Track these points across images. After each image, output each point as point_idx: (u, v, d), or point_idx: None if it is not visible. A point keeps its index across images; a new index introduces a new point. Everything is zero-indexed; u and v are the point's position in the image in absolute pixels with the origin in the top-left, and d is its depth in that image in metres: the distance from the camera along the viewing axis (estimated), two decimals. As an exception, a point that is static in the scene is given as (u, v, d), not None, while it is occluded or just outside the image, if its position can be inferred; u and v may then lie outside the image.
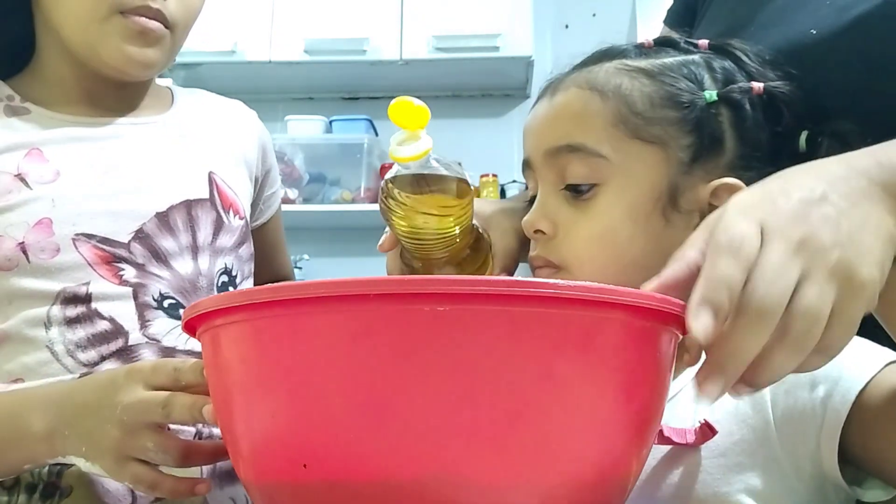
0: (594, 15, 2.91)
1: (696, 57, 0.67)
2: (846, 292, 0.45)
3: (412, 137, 0.56)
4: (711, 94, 0.64)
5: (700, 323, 0.42)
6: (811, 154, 0.65)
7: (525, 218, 0.66)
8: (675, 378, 0.63)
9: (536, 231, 0.65)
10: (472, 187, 0.60)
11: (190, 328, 0.49)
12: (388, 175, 0.59)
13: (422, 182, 0.58)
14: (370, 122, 2.81)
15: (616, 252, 0.62)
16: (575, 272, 0.63)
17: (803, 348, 0.44)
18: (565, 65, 0.71)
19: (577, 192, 0.64)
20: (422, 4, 2.70)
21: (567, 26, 2.96)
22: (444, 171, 0.58)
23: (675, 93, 0.64)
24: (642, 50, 0.68)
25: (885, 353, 0.56)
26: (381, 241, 0.69)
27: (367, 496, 0.42)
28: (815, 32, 0.67)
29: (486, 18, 2.64)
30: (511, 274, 0.70)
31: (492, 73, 2.74)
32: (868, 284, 0.46)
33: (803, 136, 0.66)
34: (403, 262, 0.66)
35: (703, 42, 0.69)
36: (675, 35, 0.71)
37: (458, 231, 0.61)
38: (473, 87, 2.87)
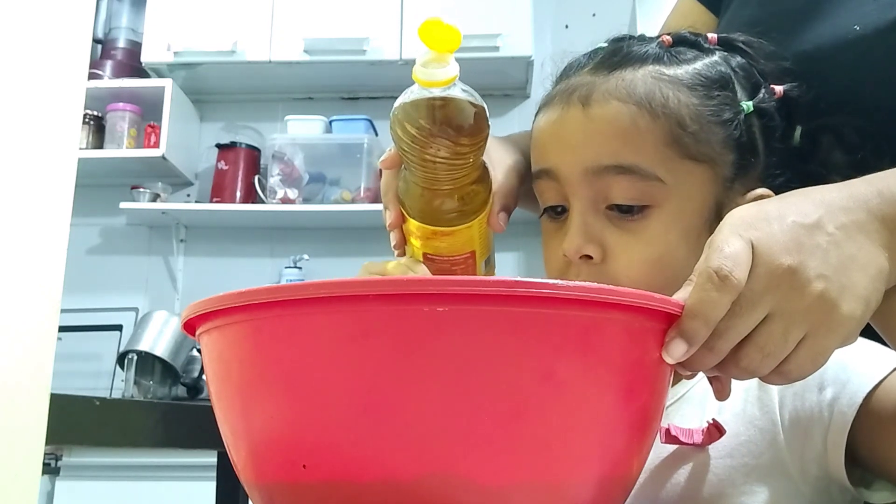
0: (594, 15, 2.91)
1: (717, 58, 0.65)
2: (822, 327, 0.46)
3: (439, 60, 0.52)
4: (748, 105, 0.63)
5: (673, 354, 0.45)
6: (811, 151, 0.65)
7: (567, 242, 0.61)
8: (673, 385, 0.63)
9: (583, 255, 0.61)
10: (489, 120, 0.56)
11: (189, 328, 0.49)
12: (405, 96, 0.55)
13: (440, 108, 0.54)
14: (370, 122, 2.81)
15: (672, 274, 0.59)
16: None
17: (753, 374, 0.47)
18: (569, 55, 0.68)
19: (622, 211, 0.61)
20: (422, 4, 2.70)
21: (567, 26, 2.96)
22: (465, 98, 0.54)
23: (717, 109, 0.62)
24: (664, 49, 0.65)
25: (894, 357, 0.56)
26: (383, 157, 0.64)
27: (366, 496, 0.42)
28: (858, 28, 0.66)
29: (486, 18, 2.64)
30: (510, 212, 0.66)
31: (492, 73, 2.74)
32: (847, 321, 0.47)
33: (798, 131, 0.65)
34: (403, 185, 0.62)
35: (713, 37, 0.68)
36: (687, 32, 0.68)
37: (469, 163, 0.57)
38: (473, 87, 2.83)
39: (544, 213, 0.67)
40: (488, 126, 0.56)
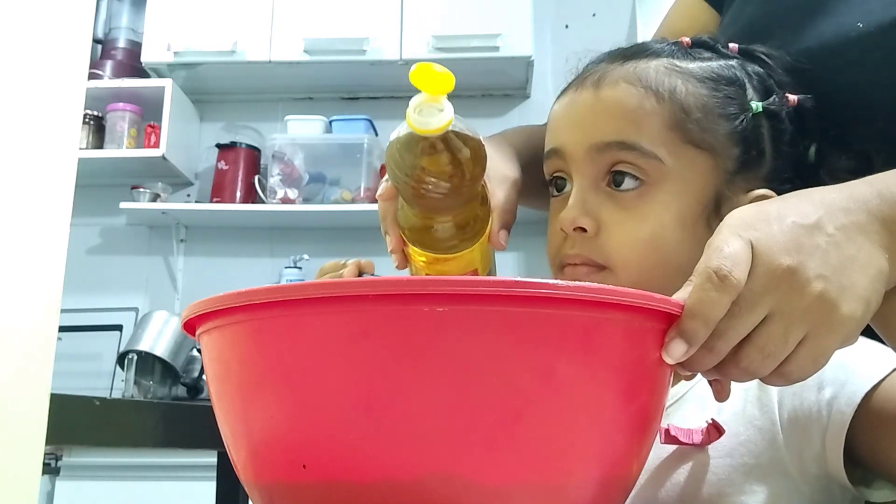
0: (594, 15, 2.91)
1: (734, 62, 0.66)
2: (822, 327, 0.46)
3: (433, 101, 0.52)
4: (757, 105, 0.63)
5: (672, 354, 0.45)
6: (824, 165, 0.65)
7: (564, 213, 0.63)
8: (673, 385, 0.63)
9: (576, 228, 0.63)
10: (486, 152, 0.56)
11: (189, 328, 0.49)
12: (399, 132, 0.54)
13: (435, 151, 0.54)
14: (370, 122, 2.81)
15: (664, 256, 0.61)
16: (620, 273, 0.61)
17: (754, 375, 0.47)
18: (588, 51, 0.70)
19: (620, 189, 0.62)
20: (422, 4, 2.70)
21: (567, 26, 2.96)
22: (461, 134, 0.54)
23: (726, 102, 0.63)
24: (682, 49, 0.67)
25: (894, 357, 0.56)
26: (380, 191, 0.64)
27: (366, 496, 0.42)
28: (861, 26, 0.66)
29: (486, 18, 2.64)
30: (510, 228, 0.67)
31: (492, 73, 2.74)
32: (847, 321, 0.47)
33: (813, 149, 0.66)
34: (402, 214, 0.62)
35: (734, 46, 0.68)
36: (707, 37, 0.70)
37: (466, 196, 0.58)
38: (473, 87, 2.87)
39: (552, 188, 0.68)
40: (485, 159, 0.56)
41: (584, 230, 0.62)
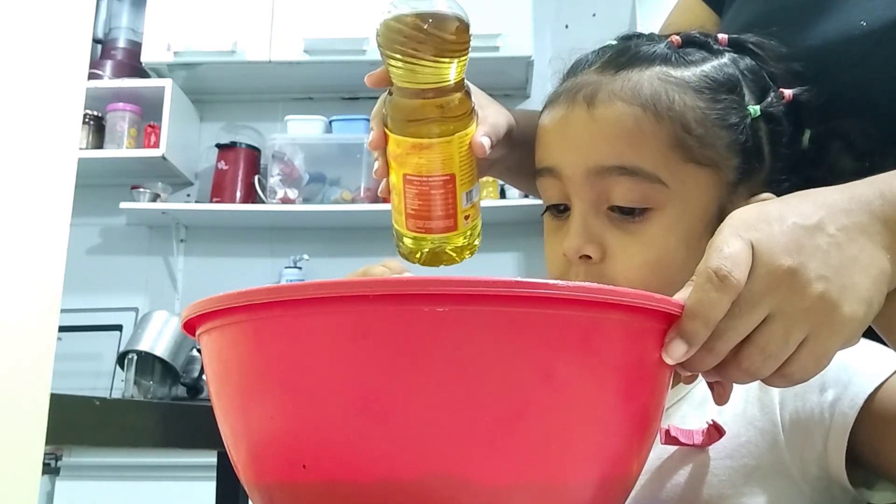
0: (594, 15, 2.91)
1: (726, 60, 0.64)
2: (823, 328, 0.46)
3: None
4: (755, 109, 0.62)
5: (673, 354, 0.45)
6: (820, 156, 0.65)
7: (567, 242, 0.62)
8: (673, 386, 0.63)
9: (582, 256, 0.61)
10: (470, 30, 0.61)
11: (189, 328, 0.49)
12: (390, 12, 0.59)
13: (422, 19, 0.58)
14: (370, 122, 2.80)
15: (669, 277, 0.59)
16: None
17: (755, 376, 0.47)
18: (577, 51, 0.68)
19: (623, 213, 0.61)
20: (422, 4, 2.70)
21: (567, 26, 2.96)
22: (446, 10, 0.60)
23: (724, 113, 0.61)
24: (673, 50, 0.64)
25: None
26: (370, 73, 0.65)
27: (366, 496, 0.42)
28: (864, 24, 0.65)
29: (486, 18, 2.64)
30: (493, 141, 0.65)
31: (492, 73, 2.73)
32: (849, 321, 0.47)
33: (807, 135, 0.65)
34: (389, 106, 0.64)
35: (723, 37, 0.67)
36: (697, 33, 0.68)
37: (452, 72, 0.61)
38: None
39: (547, 210, 0.67)
40: (468, 36, 0.62)
41: (590, 257, 0.61)
